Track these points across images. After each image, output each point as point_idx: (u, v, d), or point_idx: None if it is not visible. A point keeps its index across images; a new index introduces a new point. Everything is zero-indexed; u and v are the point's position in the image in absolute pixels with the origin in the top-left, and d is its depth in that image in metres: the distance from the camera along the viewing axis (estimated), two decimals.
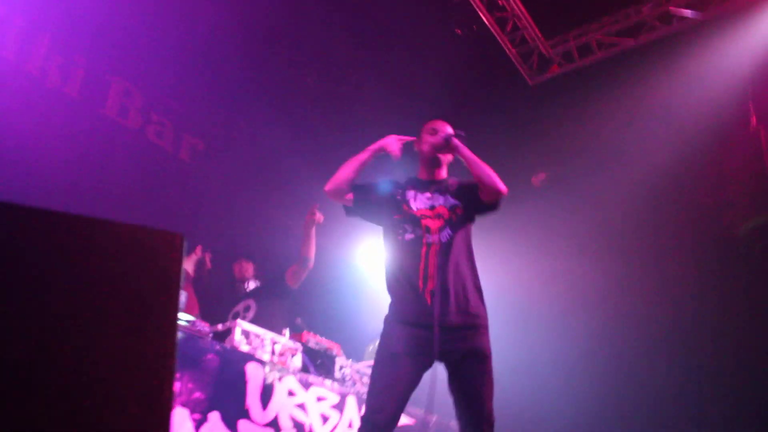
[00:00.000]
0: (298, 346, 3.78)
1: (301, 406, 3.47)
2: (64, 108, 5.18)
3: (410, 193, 3.07)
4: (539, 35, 6.08)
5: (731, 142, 5.79)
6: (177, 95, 5.90)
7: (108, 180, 5.20)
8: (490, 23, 5.81)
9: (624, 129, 6.10)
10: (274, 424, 3.31)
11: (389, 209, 3.04)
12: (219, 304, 4.86)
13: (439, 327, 2.70)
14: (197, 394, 3.04)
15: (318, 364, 3.86)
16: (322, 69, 6.14)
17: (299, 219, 4.71)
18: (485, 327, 2.84)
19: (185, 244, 1.15)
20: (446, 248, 2.92)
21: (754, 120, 5.90)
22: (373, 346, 4.69)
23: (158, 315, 1.00)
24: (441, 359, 2.75)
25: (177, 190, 5.76)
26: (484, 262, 3.55)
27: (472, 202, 3.05)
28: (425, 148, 3.14)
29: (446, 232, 2.96)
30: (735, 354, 5.17)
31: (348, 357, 4.16)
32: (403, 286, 2.86)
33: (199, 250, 4.95)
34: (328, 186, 3.13)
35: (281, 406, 3.36)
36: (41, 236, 1.03)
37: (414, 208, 3.01)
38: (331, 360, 3.95)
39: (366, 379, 4.10)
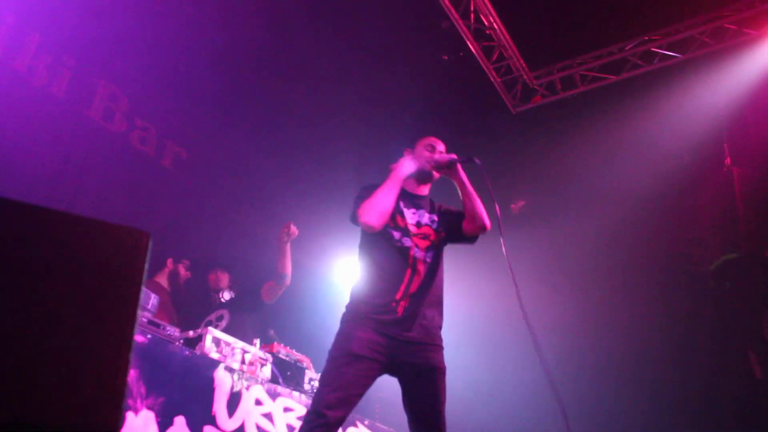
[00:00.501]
0: (268, 356, 3.79)
1: (268, 416, 3.48)
2: (50, 108, 5.18)
3: (401, 203, 3.08)
4: (524, 65, 6.21)
5: (705, 180, 5.94)
6: (163, 102, 5.91)
7: (89, 182, 5.21)
8: (476, 51, 5.92)
9: (602, 161, 6.22)
10: (239, 431, 3.31)
11: None
12: (192, 313, 4.86)
13: (402, 339, 2.78)
14: (163, 398, 3.04)
15: (287, 375, 3.88)
16: (308, 85, 6.20)
17: (277, 232, 4.74)
18: (442, 347, 2.92)
19: (150, 243, 1.19)
20: (431, 269, 3.00)
21: (728, 160, 6.05)
22: None
23: (119, 305, 1.04)
24: (396, 371, 2.82)
25: (158, 197, 5.76)
26: (458, 283, 3.61)
27: (453, 231, 3.11)
28: (426, 164, 3.12)
29: (431, 254, 3.03)
30: (702, 384, 5.25)
31: (318, 371, 4.18)
32: (380, 291, 2.88)
33: (169, 263, 4.97)
34: (372, 220, 2.94)
35: (248, 414, 3.37)
36: (12, 226, 1.06)
37: (407, 220, 3.05)
38: (301, 372, 3.96)
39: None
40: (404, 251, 2.95)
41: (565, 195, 6.35)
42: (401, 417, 3.13)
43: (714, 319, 5.61)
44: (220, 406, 3.27)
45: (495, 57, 6.09)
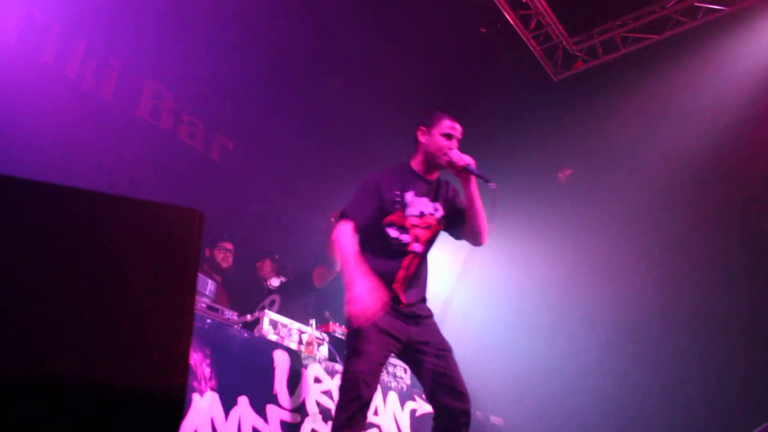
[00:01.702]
0: (325, 336, 3.88)
1: (327, 393, 3.57)
2: (100, 110, 5.37)
3: (408, 196, 3.01)
4: (563, 32, 6.12)
5: (757, 135, 5.77)
6: (207, 96, 6.06)
7: (142, 178, 5.39)
8: (514, 21, 5.87)
9: (649, 124, 6.10)
10: (300, 409, 3.41)
11: (384, 210, 2.99)
12: (245, 301, 5.00)
13: (410, 321, 2.98)
14: (226, 380, 3.16)
15: (344, 354, 3.96)
16: (349, 74, 6.25)
17: (325, 218, 4.82)
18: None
19: (203, 220, 1.27)
20: (425, 256, 3.09)
21: None
22: None
23: (179, 278, 1.11)
24: (408, 352, 2.99)
25: (208, 189, 5.92)
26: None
27: (451, 229, 3.13)
28: (432, 148, 3.03)
29: (430, 242, 3.09)
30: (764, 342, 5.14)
31: None
32: (381, 278, 2.91)
33: (206, 252, 5.10)
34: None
35: (308, 392, 3.47)
36: (70, 212, 1.16)
37: (407, 215, 2.99)
38: None
39: (392, 369, 4.19)
40: (402, 248, 2.97)
41: (613, 161, 6.25)
42: None
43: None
44: (281, 386, 3.37)
45: (533, 25, 6.02)
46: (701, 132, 5.82)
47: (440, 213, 3.07)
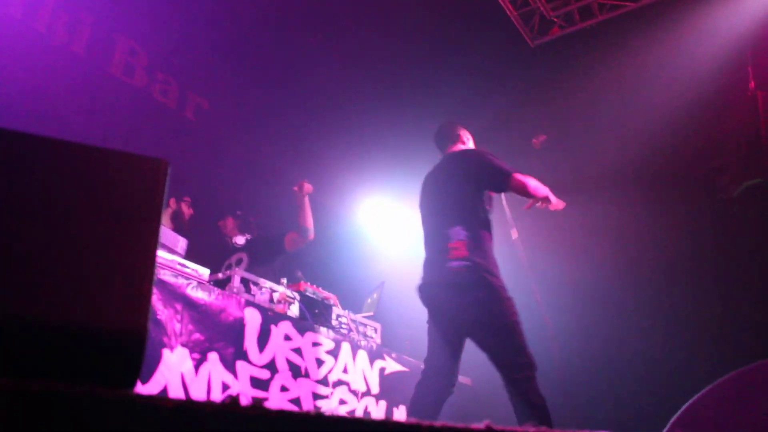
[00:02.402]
0: (296, 295, 3.93)
1: (297, 350, 3.63)
2: (70, 65, 5.27)
3: None
4: None
5: (728, 106, 5.84)
6: (182, 54, 5.98)
7: (113, 136, 5.33)
8: None
9: (623, 92, 6.15)
10: (270, 366, 3.47)
11: None
12: (211, 257, 5.02)
13: None
14: (197, 336, 3.19)
15: (315, 313, 4.02)
16: (325, 30, 6.19)
17: (302, 171, 4.82)
18: None
19: (169, 170, 1.29)
20: None
21: (752, 84, 5.94)
22: (371, 299, 4.85)
23: (143, 222, 1.14)
24: None
25: (181, 148, 5.87)
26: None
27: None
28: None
29: None
30: (724, 308, 5.28)
31: (345, 308, 4.31)
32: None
33: (172, 202, 5.08)
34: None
35: (278, 349, 3.52)
36: (35, 159, 1.17)
37: None
38: (329, 309, 4.10)
39: (363, 329, 4.26)
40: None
41: (587, 128, 6.31)
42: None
43: (737, 246, 5.60)
44: (251, 343, 3.42)
45: None
46: (675, 101, 5.89)
47: None
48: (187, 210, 5.17)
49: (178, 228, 4.99)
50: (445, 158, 3.84)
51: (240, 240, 5.05)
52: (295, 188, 4.72)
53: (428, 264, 3.55)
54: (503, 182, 3.49)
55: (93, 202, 1.13)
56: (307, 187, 4.71)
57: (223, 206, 5.47)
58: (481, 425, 1.12)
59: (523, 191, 3.46)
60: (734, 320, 5.27)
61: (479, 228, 3.45)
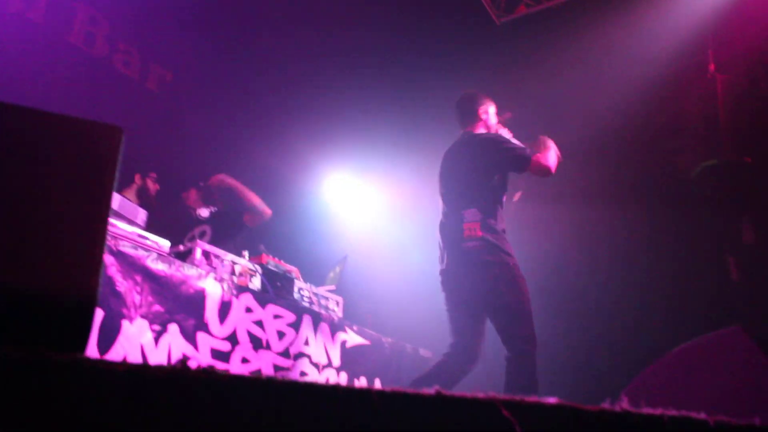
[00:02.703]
0: (258, 268, 3.93)
1: (258, 323, 3.64)
2: (27, 34, 5.13)
3: None
4: None
5: (688, 88, 5.95)
6: (145, 24, 5.86)
7: (72, 108, 5.18)
8: None
9: (587, 73, 6.21)
10: (232, 338, 3.48)
11: None
12: (174, 229, 4.98)
13: None
14: (157, 307, 3.18)
15: (277, 286, 4.03)
16: (293, 1, 6.11)
17: (266, 145, 4.77)
18: None
19: (123, 138, 1.29)
20: None
21: (712, 67, 6.05)
22: (333, 273, 4.88)
23: (95, 190, 1.13)
24: None
25: (144, 120, 5.78)
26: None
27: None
28: (491, 123, 4.16)
29: None
30: (681, 287, 5.42)
31: (307, 281, 4.33)
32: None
33: (137, 178, 5.03)
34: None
35: (239, 321, 3.53)
36: None
37: None
38: (290, 282, 4.11)
39: (324, 302, 4.29)
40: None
41: (550, 107, 6.37)
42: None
43: (694, 225, 5.74)
44: (212, 314, 3.42)
45: None
46: (636, 82, 5.98)
47: None
48: (152, 185, 5.12)
49: (145, 204, 4.95)
50: (463, 137, 4.02)
51: (204, 212, 5.03)
52: (213, 185, 4.77)
53: (445, 246, 3.74)
54: (523, 166, 3.74)
55: (43, 166, 1.13)
56: (219, 179, 4.76)
57: (185, 179, 5.42)
58: (431, 390, 1.15)
59: (544, 171, 3.77)
60: (689, 296, 5.43)
61: (494, 210, 3.69)
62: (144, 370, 0.95)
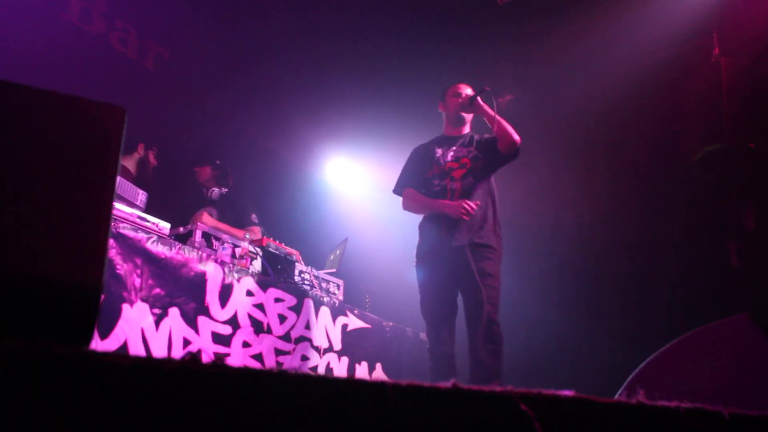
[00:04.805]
0: (258, 250, 3.89)
1: (259, 306, 3.61)
2: (22, 11, 5.04)
3: (438, 151, 3.81)
4: None
5: (692, 71, 5.89)
6: (142, 1, 5.76)
7: (68, 86, 5.10)
8: None
9: (590, 55, 6.14)
10: (232, 321, 3.45)
11: (422, 171, 3.83)
12: (185, 207, 4.95)
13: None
14: (157, 290, 3.15)
15: (278, 268, 3.99)
16: None
17: (267, 127, 4.71)
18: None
19: (126, 118, 1.24)
20: (467, 193, 3.66)
21: (716, 50, 5.98)
22: (333, 256, 4.84)
23: (97, 173, 1.08)
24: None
25: (141, 99, 5.70)
26: None
27: (492, 155, 3.75)
28: (451, 108, 3.85)
29: (469, 180, 3.70)
30: (681, 272, 5.40)
31: (308, 264, 4.30)
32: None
33: (140, 148, 4.97)
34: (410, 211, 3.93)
35: (239, 304, 3.49)
36: None
37: (442, 163, 3.76)
38: (291, 265, 4.08)
39: (325, 285, 4.26)
40: (443, 189, 3.71)
41: (551, 89, 6.31)
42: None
43: (696, 209, 5.71)
44: (212, 298, 3.38)
45: None
46: (640, 65, 5.92)
47: (473, 152, 3.80)
48: (152, 160, 5.08)
49: (142, 176, 4.89)
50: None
51: (215, 193, 4.98)
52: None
53: (446, 227, 3.75)
54: (515, 153, 3.80)
55: (45, 148, 1.08)
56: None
57: (180, 161, 5.37)
58: (448, 384, 1.12)
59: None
60: (692, 283, 5.40)
61: (493, 201, 3.80)
62: (151, 363, 0.91)
